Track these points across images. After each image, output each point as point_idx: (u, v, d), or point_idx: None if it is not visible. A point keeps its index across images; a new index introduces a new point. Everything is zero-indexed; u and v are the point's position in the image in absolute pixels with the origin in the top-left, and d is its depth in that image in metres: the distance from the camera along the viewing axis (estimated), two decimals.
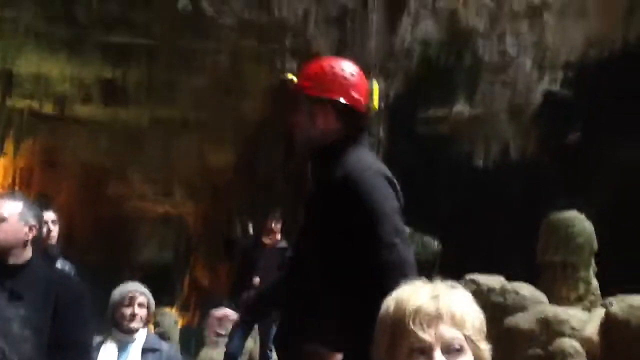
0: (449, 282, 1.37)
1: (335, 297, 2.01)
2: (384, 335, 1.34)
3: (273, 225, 5.85)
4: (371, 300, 1.80)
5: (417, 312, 1.29)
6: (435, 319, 1.29)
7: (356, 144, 2.17)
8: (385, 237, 1.92)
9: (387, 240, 1.92)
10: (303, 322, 2.08)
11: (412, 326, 1.28)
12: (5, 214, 2.49)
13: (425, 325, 1.28)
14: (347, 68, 2.18)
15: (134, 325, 3.28)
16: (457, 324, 1.30)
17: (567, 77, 12.29)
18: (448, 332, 1.28)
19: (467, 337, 1.30)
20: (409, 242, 2.01)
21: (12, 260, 2.45)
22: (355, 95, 2.13)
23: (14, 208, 2.52)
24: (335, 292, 2.02)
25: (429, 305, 1.30)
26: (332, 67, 2.17)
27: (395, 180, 2.10)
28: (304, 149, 2.21)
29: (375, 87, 2.21)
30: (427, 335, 1.26)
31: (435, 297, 1.32)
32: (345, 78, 2.14)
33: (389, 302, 1.35)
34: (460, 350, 1.27)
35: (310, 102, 2.16)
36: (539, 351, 4.22)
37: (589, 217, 5.78)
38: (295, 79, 2.21)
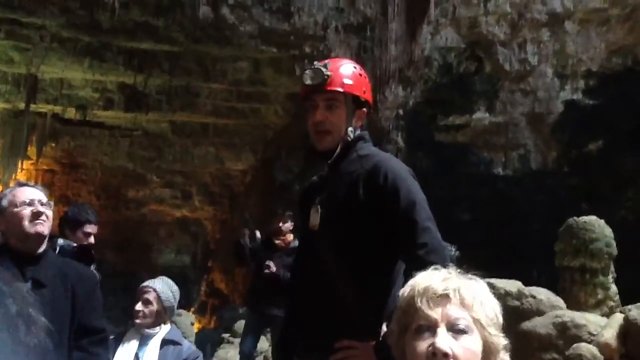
0: (469, 275, 1.38)
1: (361, 287, 2.01)
2: (398, 317, 1.36)
3: (282, 226, 5.87)
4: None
5: (425, 290, 1.31)
6: (442, 298, 1.30)
7: (366, 140, 2.21)
8: (421, 222, 1.97)
9: (423, 225, 1.97)
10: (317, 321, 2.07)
11: (419, 304, 1.29)
12: (47, 200, 2.54)
13: (432, 304, 1.29)
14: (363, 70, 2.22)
15: (137, 321, 3.20)
16: (465, 306, 1.31)
17: (589, 86, 12.16)
18: (454, 311, 1.29)
19: (475, 320, 1.30)
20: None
21: (39, 249, 2.47)
22: (371, 95, 2.20)
23: (46, 196, 2.57)
24: (360, 282, 2.01)
25: (437, 286, 1.32)
26: (360, 69, 2.18)
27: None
28: (325, 148, 2.11)
29: None
30: (433, 313, 1.28)
31: (446, 280, 1.34)
32: (368, 80, 2.20)
33: (406, 287, 1.37)
34: (465, 331, 1.28)
35: (351, 102, 2.12)
36: (555, 356, 4.17)
37: (609, 224, 5.70)
38: (329, 73, 2.09)
